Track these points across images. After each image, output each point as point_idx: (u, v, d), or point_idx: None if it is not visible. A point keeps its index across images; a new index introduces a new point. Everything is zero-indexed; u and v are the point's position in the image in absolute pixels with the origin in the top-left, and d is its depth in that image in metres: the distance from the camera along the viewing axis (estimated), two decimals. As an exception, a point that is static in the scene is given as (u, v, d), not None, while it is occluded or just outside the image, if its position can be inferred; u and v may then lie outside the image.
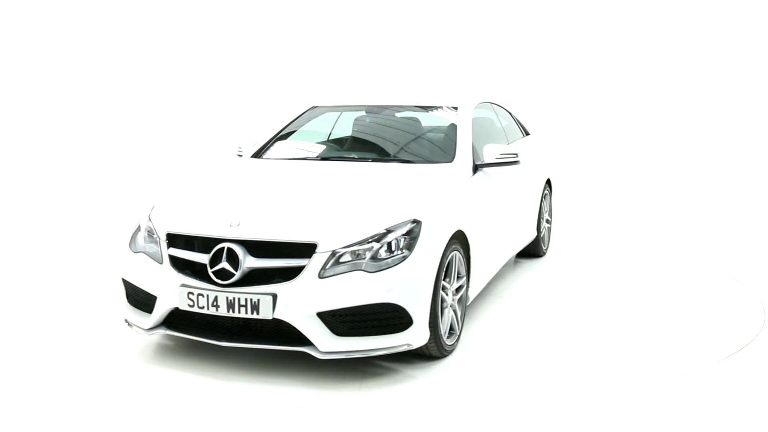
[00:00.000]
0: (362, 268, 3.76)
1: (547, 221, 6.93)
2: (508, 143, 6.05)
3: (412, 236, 3.92)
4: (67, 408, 3.62)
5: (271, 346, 3.81)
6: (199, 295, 3.84)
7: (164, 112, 11.27)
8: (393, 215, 3.99)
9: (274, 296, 3.72)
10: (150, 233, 4.21)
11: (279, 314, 3.72)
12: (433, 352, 4.13)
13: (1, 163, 10.45)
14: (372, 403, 3.66)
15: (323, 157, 5.19)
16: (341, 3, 11.91)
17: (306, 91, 10.80)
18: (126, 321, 4.23)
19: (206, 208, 4.20)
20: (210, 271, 3.85)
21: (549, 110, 11.73)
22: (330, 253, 3.78)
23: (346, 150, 5.34)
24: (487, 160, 4.97)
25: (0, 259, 6.68)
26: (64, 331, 4.76)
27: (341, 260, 3.78)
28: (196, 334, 3.96)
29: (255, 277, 3.81)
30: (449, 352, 4.27)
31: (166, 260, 4.03)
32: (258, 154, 5.40)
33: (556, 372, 4.08)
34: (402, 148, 5.28)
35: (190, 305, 3.87)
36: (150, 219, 4.27)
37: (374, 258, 3.80)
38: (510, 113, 6.65)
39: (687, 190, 10.34)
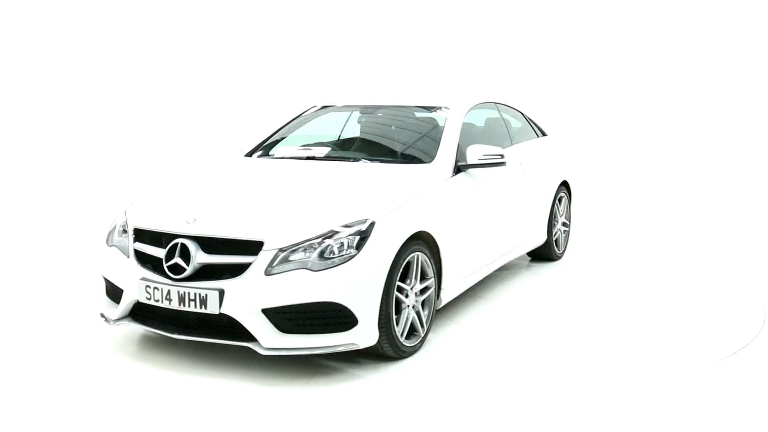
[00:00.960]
0: (307, 267, 3.80)
1: (564, 224, 6.77)
2: (512, 144, 5.94)
3: (361, 236, 3.93)
4: (39, 402, 3.79)
5: (217, 340, 3.90)
6: (155, 288, 3.97)
7: (173, 113, 11.26)
8: (344, 215, 4.01)
9: (221, 292, 3.81)
10: (123, 228, 4.38)
11: (225, 309, 3.80)
12: (388, 352, 4.13)
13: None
14: (310, 400, 3.69)
15: (308, 157, 5.24)
16: (353, 3, 11.86)
17: (310, 90, 10.75)
18: (102, 315, 4.39)
19: (173, 205, 4.33)
20: (165, 265, 3.97)
21: (574, 113, 11.63)
22: (277, 250, 3.84)
23: (332, 150, 5.39)
24: (470, 161, 4.92)
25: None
26: (44, 325, 4.91)
27: (290, 258, 3.83)
28: (156, 327, 4.09)
29: (207, 273, 3.90)
30: (409, 354, 4.25)
31: (132, 254, 4.19)
32: (251, 153, 5.51)
33: (535, 373, 4.02)
34: (386, 149, 5.29)
35: (147, 298, 4.01)
36: (126, 214, 4.44)
37: (321, 257, 3.83)
38: (522, 114, 6.54)
39: (687, 190, 10.29)
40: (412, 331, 4.32)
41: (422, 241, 4.34)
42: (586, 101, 11.83)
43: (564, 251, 6.81)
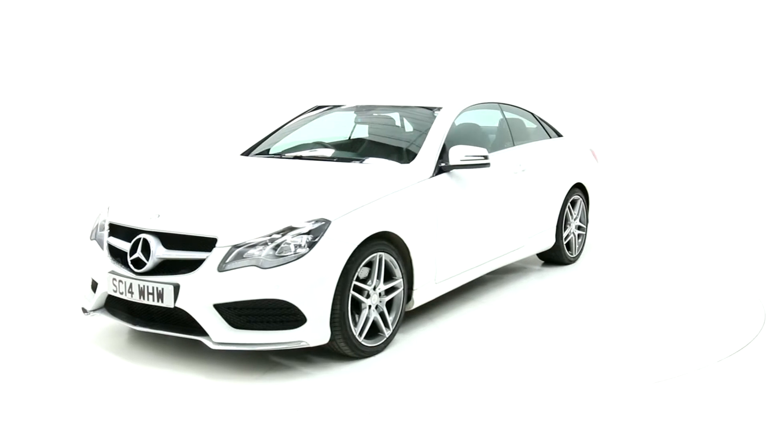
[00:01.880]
0: (258, 264, 3.87)
1: (579, 228, 6.61)
2: (514, 145, 5.85)
3: (315, 235, 3.96)
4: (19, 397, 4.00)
5: (172, 332, 4.02)
6: (120, 281, 4.13)
7: (180, 113, 11.17)
8: (300, 214, 4.06)
9: (176, 286, 3.92)
10: (104, 223, 4.56)
11: (180, 303, 3.92)
12: (345, 351, 4.15)
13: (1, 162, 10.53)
14: (257, 395, 3.77)
15: (294, 156, 5.30)
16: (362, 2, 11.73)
17: (317, 90, 10.59)
18: (82, 308, 4.57)
19: (146, 201, 4.47)
20: (129, 259, 4.12)
21: (598, 115, 11.41)
22: (230, 247, 3.92)
23: (321, 149, 5.43)
24: (451, 162, 4.88)
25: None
26: (27, 318, 5.08)
27: (245, 255, 3.91)
28: (123, 318, 4.25)
29: (167, 267, 4.03)
30: (370, 354, 4.26)
31: (106, 248, 4.37)
32: (248, 152, 5.62)
33: (506, 377, 4.00)
34: (373, 149, 5.30)
35: (114, 290, 4.17)
36: (108, 210, 4.62)
37: (273, 255, 3.90)
38: (533, 114, 6.41)
39: (688, 190, 10.14)
40: (376, 331, 4.33)
41: (388, 241, 4.34)
42: (611, 104, 11.59)
43: (578, 255, 6.64)
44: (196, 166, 5.40)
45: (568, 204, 6.40)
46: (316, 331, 3.95)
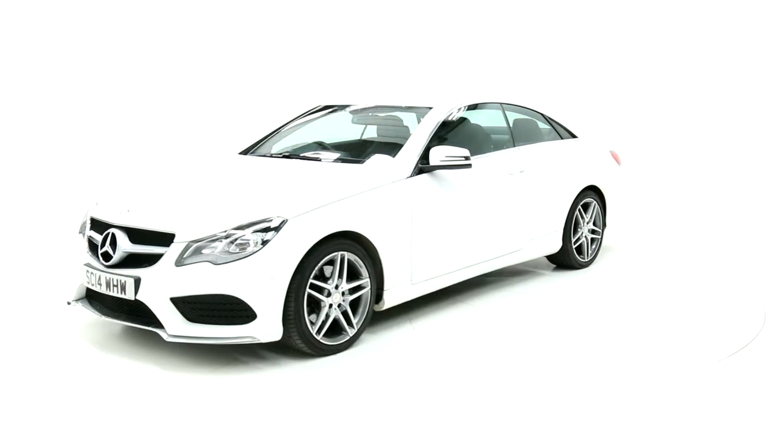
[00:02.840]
0: (211, 260, 3.97)
1: (593, 232, 6.43)
2: (515, 146, 5.74)
3: (269, 233, 4.03)
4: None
5: (131, 323, 4.17)
6: (91, 273, 4.31)
7: (189, 114, 11.03)
8: (258, 211, 4.13)
9: (137, 279, 4.06)
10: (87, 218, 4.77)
11: (140, 296, 4.05)
12: (302, 348, 4.20)
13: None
14: (205, 389, 3.86)
15: (284, 155, 5.36)
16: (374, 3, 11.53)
17: (314, 91, 10.41)
18: (67, 302, 4.76)
19: (124, 197, 4.64)
20: (99, 252, 4.30)
21: (628, 117, 11.10)
22: (187, 243, 4.03)
23: (310, 149, 5.46)
24: (432, 163, 4.85)
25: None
26: (13, 308, 5.32)
27: (202, 251, 4.02)
28: (97, 309, 4.42)
29: (132, 261, 4.18)
30: (330, 352, 4.29)
31: (86, 241, 4.57)
32: (246, 151, 5.73)
33: (484, 379, 3.98)
34: (359, 149, 5.32)
35: (87, 282, 4.36)
36: (96, 205, 4.82)
37: (227, 251, 3.98)
38: (543, 115, 6.27)
39: (707, 192, 9.92)
40: (341, 330, 4.35)
41: (353, 241, 4.36)
42: (642, 106, 11.27)
43: (592, 259, 6.46)
44: (185, 164, 5.56)
45: (579, 207, 6.23)
46: (267, 328, 4.01)
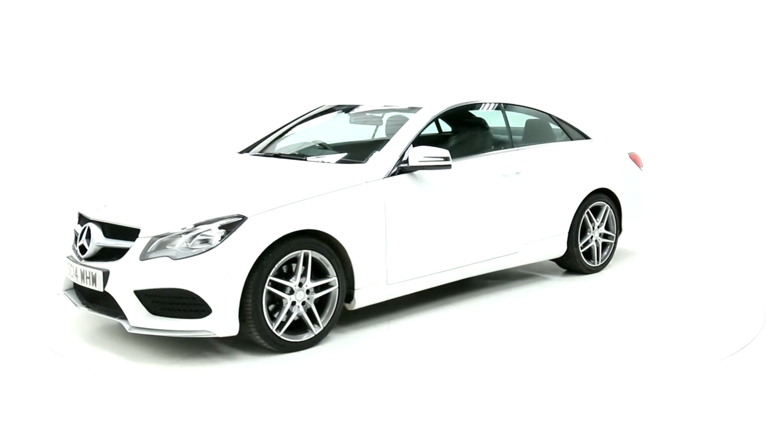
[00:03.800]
0: (171, 255, 4.10)
1: (605, 236, 6.24)
2: (514, 147, 5.64)
3: (228, 229, 4.12)
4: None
5: (100, 313, 4.34)
6: (71, 265, 4.52)
7: (200, 114, 10.83)
8: (220, 208, 4.23)
9: (106, 272, 4.23)
10: None
11: (108, 288, 4.22)
12: (262, 344, 4.27)
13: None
14: (152, 380, 4.00)
15: (275, 154, 5.44)
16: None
17: (320, 90, 10.23)
18: (57, 293, 4.96)
19: (109, 193, 4.84)
20: (77, 246, 4.51)
21: (656, 120, 10.76)
22: (151, 238, 4.17)
23: (300, 148, 5.53)
24: (411, 163, 4.83)
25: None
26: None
27: (165, 246, 4.15)
28: (77, 299, 4.62)
29: (106, 254, 4.36)
30: (292, 349, 4.34)
31: (72, 234, 4.79)
32: (247, 150, 5.85)
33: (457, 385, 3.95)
34: (346, 149, 5.34)
35: (69, 274, 4.57)
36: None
37: (186, 247, 4.10)
38: (551, 116, 6.12)
39: (688, 189, 9.82)
40: (306, 328, 4.41)
41: (320, 240, 4.40)
42: (672, 109, 10.89)
43: (603, 264, 6.26)
44: (174, 162, 5.73)
45: (588, 210, 6.07)
46: (222, 322, 4.10)
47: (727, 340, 4.53)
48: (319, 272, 4.45)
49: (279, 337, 4.28)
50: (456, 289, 5.57)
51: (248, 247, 4.12)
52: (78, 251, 4.49)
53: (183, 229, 4.15)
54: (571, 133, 6.19)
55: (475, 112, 5.75)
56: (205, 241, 4.10)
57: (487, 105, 5.75)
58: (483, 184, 5.28)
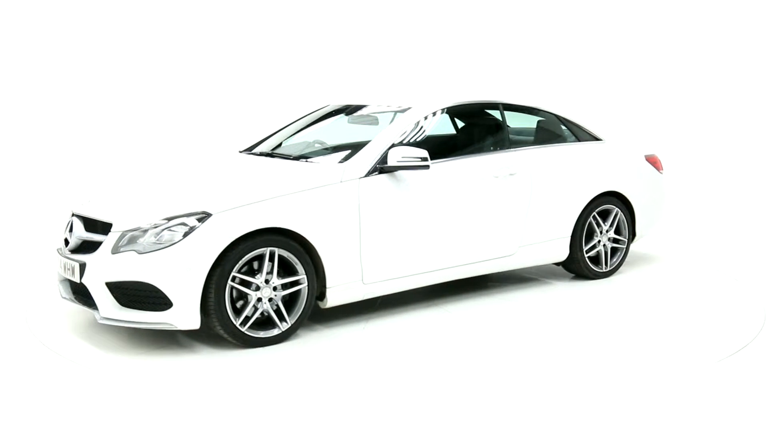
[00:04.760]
0: (138, 249, 4.26)
1: (615, 241, 6.05)
2: (510, 148, 5.55)
3: (192, 226, 4.25)
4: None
5: (83, 305, 4.53)
6: (58, 258, 4.75)
7: (212, 115, 10.65)
8: (186, 205, 4.37)
9: (83, 265, 4.43)
10: None
11: (84, 280, 4.42)
12: (227, 338, 4.38)
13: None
14: (127, 371, 4.17)
15: (268, 153, 5.53)
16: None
17: (325, 89, 10.07)
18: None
19: (97, 188, 5.06)
20: (63, 238, 4.74)
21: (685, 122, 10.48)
22: (122, 232, 4.35)
23: (290, 147, 5.60)
24: (389, 163, 4.84)
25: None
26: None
27: (135, 240, 4.32)
28: (65, 290, 4.84)
29: (86, 247, 4.56)
30: (257, 344, 4.42)
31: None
32: (250, 149, 5.97)
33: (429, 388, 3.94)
34: (333, 148, 5.38)
35: (57, 266, 4.81)
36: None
37: (153, 241, 4.25)
38: (557, 116, 5.97)
39: (689, 189, 9.48)
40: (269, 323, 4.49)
41: (289, 238, 4.46)
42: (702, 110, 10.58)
43: (613, 269, 6.06)
44: (170, 160, 5.91)
45: (594, 214, 5.90)
46: (183, 316, 4.23)
47: (727, 340, 4.53)
48: (289, 270, 4.51)
49: (242, 332, 4.37)
50: (448, 291, 5.54)
51: (210, 242, 4.23)
52: (63, 244, 4.71)
53: (150, 224, 4.29)
54: (580, 134, 6.03)
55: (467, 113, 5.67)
56: (170, 237, 4.24)
57: (487, 105, 5.67)
58: (471, 186, 5.22)
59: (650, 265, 6.40)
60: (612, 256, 6.09)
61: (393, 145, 4.95)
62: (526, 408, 3.62)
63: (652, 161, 6.36)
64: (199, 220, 4.26)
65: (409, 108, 5.30)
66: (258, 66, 10.79)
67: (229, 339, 4.38)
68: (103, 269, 4.32)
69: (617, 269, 6.12)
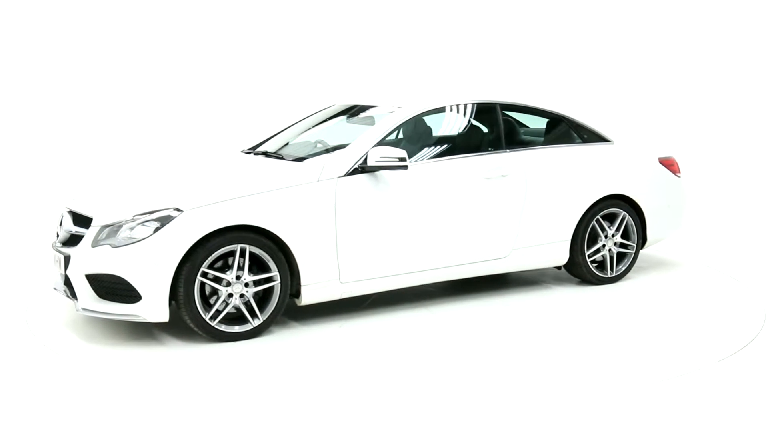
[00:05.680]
0: (112, 243, 4.43)
1: (622, 245, 5.87)
2: (505, 148, 5.47)
3: (163, 222, 4.39)
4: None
5: (70, 297, 4.73)
6: (52, 251, 4.99)
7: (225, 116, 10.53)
8: (160, 201, 4.51)
9: (67, 257, 4.64)
10: None
11: (68, 272, 4.63)
12: (198, 331, 4.50)
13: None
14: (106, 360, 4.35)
15: (263, 153, 5.62)
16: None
17: (334, 89, 9.88)
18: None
19: (85, 184, 5.28)
20: (56, 233, 4.97)
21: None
22: (101, 227, 4.53)
23: (283, 146, 5.67)
24: (369, 163, 4.86)
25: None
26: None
27: (113, 234, 4.49)
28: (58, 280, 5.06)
29: (74, 240, 4.77)
30: (229, 338, 4.53)
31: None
32: (253, 149, 6.09)
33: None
34: (327, 149, 5.42)
35: (53, 259, 5.05)
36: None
37: (127, 236, 4.42)
38: (563, 117, 5.83)
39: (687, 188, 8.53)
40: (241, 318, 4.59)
41: (261, 235, 4.55)
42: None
43: (620, 275, 5.87)
44: (165, 159, 6.08)
45: (598, 217, 5.74)
46: (152, 309, 4.37)
47: (727, 340, 4.55)
48: (264, 267, 4.59)
49: (212, 326, 4.48)
50: (443, 293, 5.52)
51: (180, 238, 4.35)
52: (56, 237, 4.94)
53: (125, 219, 4.46)
54: (587, 135, 5.88)
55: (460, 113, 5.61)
56: (142, 232, 4.38)
57: (483, 105, 5.60)
58: (457, 187, 5.17)
59: (650, 265, 6.29)
60: (619, 261, 5.90)
61: (375, 146, 4.96)
62: (503, 407, 3.63)
63: (668, 164, 6.14)
64: (171, 216, 4.39)
65: (398, 108, 5.30)
66: (267, 66, 10.72)
67: (200, 332, 4.50)
68: (83, 262, 4.50)
69: (624, 275, 5.92)
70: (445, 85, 10.65)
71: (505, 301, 5.44)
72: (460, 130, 5.58)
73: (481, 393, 3.81)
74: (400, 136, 5.49)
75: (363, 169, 4.87)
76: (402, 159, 4.82)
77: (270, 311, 4.64)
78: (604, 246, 5.80)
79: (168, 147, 9.99)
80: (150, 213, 4.44)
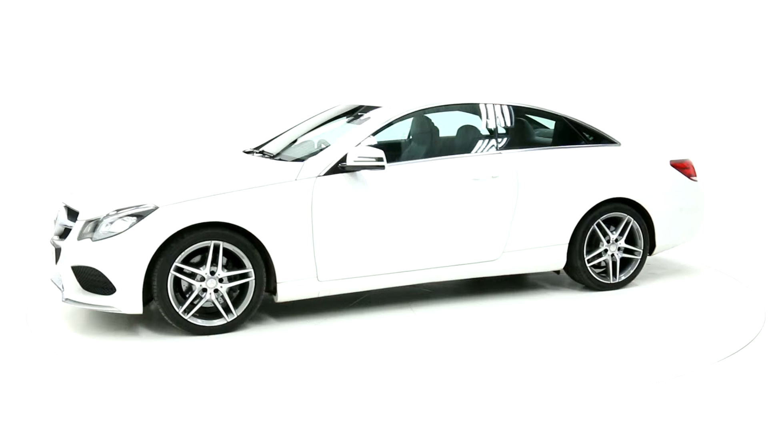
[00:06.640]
0: (92, 237, 4.63)
1: (627, 251, 5.68)
2: (498, 150, 5.39)
3: (139, 217, 4.55)
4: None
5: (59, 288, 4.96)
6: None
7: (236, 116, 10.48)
8: (138, 197, 4.68)
9: (58, 249, 4.88)
10: None
11: (59, 263, 4.87)
12: (172, 324, 4.64)
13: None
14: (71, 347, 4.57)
15: (261, 152, 5.72)
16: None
17: (333, 89, 9.75)
18: None
19: (81, 180, 5.52)
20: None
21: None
22: (85, 221, 4.74)
23: (280, 146, 5.75)
24: (348, 163, 4.89)
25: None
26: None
27: (100, 229, 4.69)
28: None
29: (67, 234, 5.01)
30: (202, 332, 4.65)
31: None
32: (257, 148, 6.19)
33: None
34: (316, 149, 5.47)
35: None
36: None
37: (107, 231, 4.61)
38: (567, 119, 5.67)
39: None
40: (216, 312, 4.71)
41: (236, 232, 4.65)
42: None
43: (624, 282, 5.68)
44: (162, 158, 6.26)
45: (599, 221, 5.57)
46: (126, 301, 4.54)
47: (727, 340, 4.56)
48: (238, 263, 4.70)
49: (185, 320, 4.61)
50: (438, 295, 5.51)
51: (153, 233, 4.50)
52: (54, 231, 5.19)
53: (106, 214, 4.64)
54: (592, 137, 5.71)
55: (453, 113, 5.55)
56: (120, 227, 4.56)
57: (480, 106, 5.53)
58: (442, 188, 5.13)
59: (649, 266, 6.06)
60: (624, 267, 5.71)
61: (356, 146, 4.99)
62: (490, 406, 3.64)
63: (681, 167, 5.90)
64: (147, 211, 4.55)
65: (379, 107, 5.31)
66: (273, 66, 10.71)
67: (174, 326, 4.63)
68: (69, 254, 4.72)
69: (629, 281, 5.73)
70: (443, 85, 10.59)
71: (498, 303, 5.35)
72: (455, 131, 5.53)
73: (459, 392, 3.80)
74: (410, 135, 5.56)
75: (343, 168, 4.90)
76: (379, 159, 4.82)
77: (244, 307, 4.74)
78: (606, 251, 5.62)
79: (174, 146, 10.02)
80: (128, 208, 4.61)
